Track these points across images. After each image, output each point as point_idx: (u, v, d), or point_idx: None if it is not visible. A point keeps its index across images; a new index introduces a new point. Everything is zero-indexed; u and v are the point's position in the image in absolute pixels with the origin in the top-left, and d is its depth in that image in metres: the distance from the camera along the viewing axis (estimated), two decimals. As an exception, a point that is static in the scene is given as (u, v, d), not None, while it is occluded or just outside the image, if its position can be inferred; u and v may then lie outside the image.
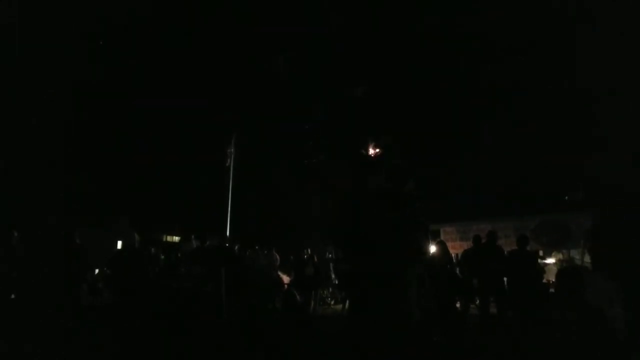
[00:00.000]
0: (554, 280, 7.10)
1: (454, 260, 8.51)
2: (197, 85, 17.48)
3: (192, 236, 8.90)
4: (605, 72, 13.39)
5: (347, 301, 9.96)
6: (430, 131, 19.00)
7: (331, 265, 11.19)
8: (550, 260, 9.38)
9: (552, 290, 7.21)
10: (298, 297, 8.17)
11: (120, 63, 16.38)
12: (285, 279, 10.45)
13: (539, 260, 8.31)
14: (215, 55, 17.66)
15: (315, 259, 10.88)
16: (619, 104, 13.11)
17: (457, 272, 7.71)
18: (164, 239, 18.53)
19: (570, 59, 15.01)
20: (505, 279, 6.88)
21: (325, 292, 11.61)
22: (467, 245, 10.18)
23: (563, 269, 7.04)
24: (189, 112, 17.15)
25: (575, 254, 9.58)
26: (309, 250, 11.24)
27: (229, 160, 13.08)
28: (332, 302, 11.60)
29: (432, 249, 7.06)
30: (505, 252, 7.26)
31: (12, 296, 6.45)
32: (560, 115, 16.20)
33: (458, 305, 7.78)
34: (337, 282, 11.00)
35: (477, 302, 7.58)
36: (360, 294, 2.47)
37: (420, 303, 3.60)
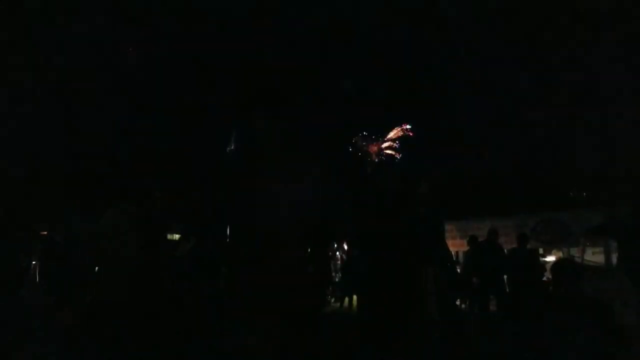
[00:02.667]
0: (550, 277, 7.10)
1: (454, 258, 8.50)
2: (195, 82, 17.44)
3: (189, 235, 8.83)
4: (610, 70, 13.36)
5: (347, 299, 10.00)
6: (429, 128, 18.96)
7: (331, 263, 11.18)
8: (551, 259, 9.38)
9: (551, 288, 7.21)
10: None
11: (118, 60, 16.31)
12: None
13: (540, 259, 8.33)
14: (213, 52, 17.60)
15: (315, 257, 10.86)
16: (623, 101, 13.09)
17: (457, 270, 7.70)
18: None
19: (573, 56, 14.97)
20: (505, 277, 6.88)
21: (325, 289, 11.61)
22: (467, 243, 10.16)
23: (558, 262, 7.02)
24: (189, 109, 17.11)
25: (575, 252, 9.58)
26: (309, 248, 11.22)
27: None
28: (332, 300, 11.60)
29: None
30: (506, 251, 7.26)
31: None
32: (563, 112, 16.19)
33: (458, 303, 7.77)
34: (337, 280, 11.00)
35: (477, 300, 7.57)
36: (376, 292, 2.48)
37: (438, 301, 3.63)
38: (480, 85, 18.29)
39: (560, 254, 9.96)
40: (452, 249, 8.84)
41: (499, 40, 17.49)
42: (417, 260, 2.46)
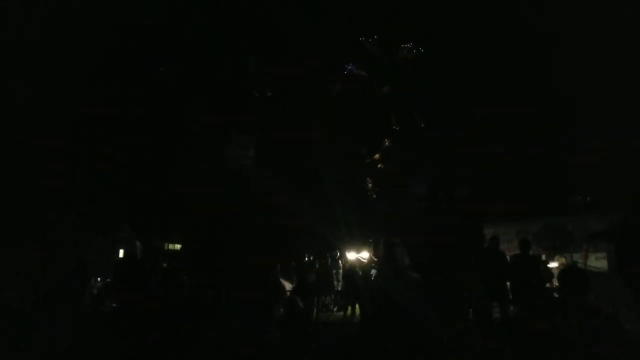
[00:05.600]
0: (557, 284, 7.06)
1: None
2: (195, 88, 17.53)
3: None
4: (610, 73, 13.41)
5: (350, 307, 9.94)
6: (433, 135, 18.99)
7: (333, 272, 11.14)
8: (553, 265, 9.34)
9: (555, 294, 7.17)
10: (300, 304, 8.11)
11: (118, 65, 16.37)
12: (287, 285, 10.40)
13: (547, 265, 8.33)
14: (213, 56, 17.69)
15: (317, 265, 10.84)
16: (625, 106, 13.12)
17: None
18: (166, 247, 18.46)
19: (575, 61, 15.04)
20: (508, 284, 6.85)
21: (327, 298, 11.56)
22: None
23: (565, 269, 7.00)
24: (188, 114, 17.18)
25: (577, 257, 9.53)
26: (311, 257, 11.22)
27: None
28: (335, 309, 11.54)
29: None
30: (508, 257, 7.24)
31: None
32: (563, 117, 16.21)
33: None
34: (339, 289, 10.95)
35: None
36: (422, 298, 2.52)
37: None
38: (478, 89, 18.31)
39: (563, 260, 9.92)
40: (455, 256, 8.82)
41: (500, 40, 17.57)
42: (461, 268, 2.49)
